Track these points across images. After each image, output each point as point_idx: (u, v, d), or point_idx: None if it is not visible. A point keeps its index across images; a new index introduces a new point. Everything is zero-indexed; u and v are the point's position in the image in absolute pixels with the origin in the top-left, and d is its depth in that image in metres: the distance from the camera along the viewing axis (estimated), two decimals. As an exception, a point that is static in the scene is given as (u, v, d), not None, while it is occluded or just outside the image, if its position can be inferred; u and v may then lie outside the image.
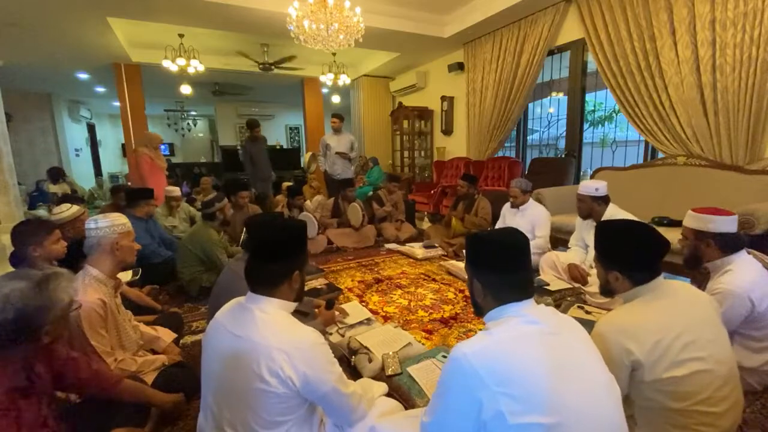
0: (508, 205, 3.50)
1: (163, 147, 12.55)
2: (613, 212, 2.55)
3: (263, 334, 1.03)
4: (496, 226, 3.56)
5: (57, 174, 7.49)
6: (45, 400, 1.10)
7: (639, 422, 1.19)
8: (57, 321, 1.06)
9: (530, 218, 3.31)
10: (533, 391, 0.81)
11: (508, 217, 3.49)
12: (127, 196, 3.36)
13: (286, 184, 5.66)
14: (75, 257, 1.87)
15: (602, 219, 2.61)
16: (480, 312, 1.04)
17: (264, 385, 1.00)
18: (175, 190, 4.17)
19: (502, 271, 0.97)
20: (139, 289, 2.52)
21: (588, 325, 1.17)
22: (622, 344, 1.11)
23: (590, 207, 2.62)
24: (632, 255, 1.23)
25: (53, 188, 7.20)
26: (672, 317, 1.15)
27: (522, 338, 0.89)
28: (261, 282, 1.13)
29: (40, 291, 1.03)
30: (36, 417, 1.04)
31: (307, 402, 1.09)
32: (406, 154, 7.24)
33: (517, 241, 1.00)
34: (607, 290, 1.34)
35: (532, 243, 3.24)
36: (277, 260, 1.14)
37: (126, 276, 2.53)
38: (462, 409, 0.86)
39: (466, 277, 1.09)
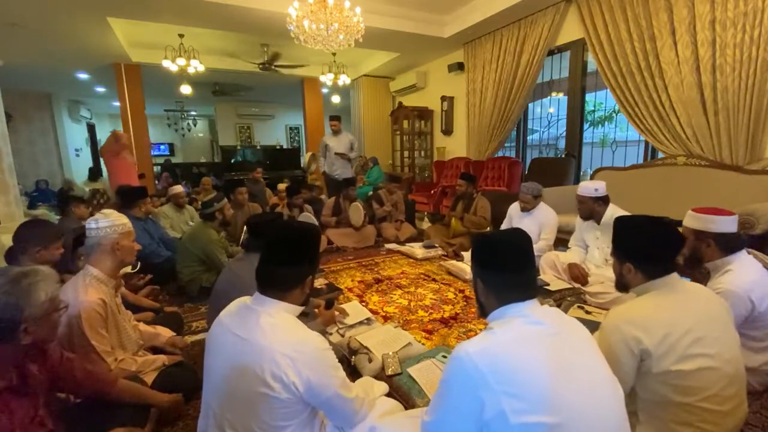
0: (516, 206, 3.39)
1: (163, 147, 12.69)
2: (614, 212, 2.55)
3: (268, 338, 1.02)
4: (503, 227, 3.50)
5: (96, 174, 8.16)
6: (41, 400, 1.09)
7: (642, 418, 1.20)
8: (37, 320, 1.04)
9: (539, 221, 3.23)
10: (535, 391, 0.82)
11: (516, 218, 3.39)
12: (122, 198, 3.34)
13: (281, 185, 5.64)
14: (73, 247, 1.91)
15: (603, 220, 2.61)
16: (483, 311, 1.04)
17: (267, 390, 0.99)
18: (179, 188, 4.19)
19: (505, 272, 0.97)
20: (138, 281, 2.55)
21: (588, 325, 1.18)
22: (631, 333, 1.13)
23: (591, 208, 2.62)
24: (646, 248, 1.25)
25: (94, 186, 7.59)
26: (682, 313, 1.16)
27: (525, 338, 0.89)
28: (273, 285, 1.11)
29: (13, 287, 1.02)
30: (32, 417, 1.03)
31: (309, 406, 1.09)
32: (406, 154, 7.24)
33: (520, 241, 1.00)
34: (621, 284, 1.36)
35: (534, 245, 3.16)
36: (293, 264, 1.13)
37: (125, 269, 2.55)
38: (464, 409, 0.86)
39: (468, 277, 1.10)
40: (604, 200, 2.61)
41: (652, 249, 1.25)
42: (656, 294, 1.23)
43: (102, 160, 5.77)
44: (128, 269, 2.52)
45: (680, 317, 1.14)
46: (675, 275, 1.24)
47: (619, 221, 1.37)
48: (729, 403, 1.13)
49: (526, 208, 3.27)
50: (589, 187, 2.61)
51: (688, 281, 1.37)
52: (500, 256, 0.99)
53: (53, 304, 1.10)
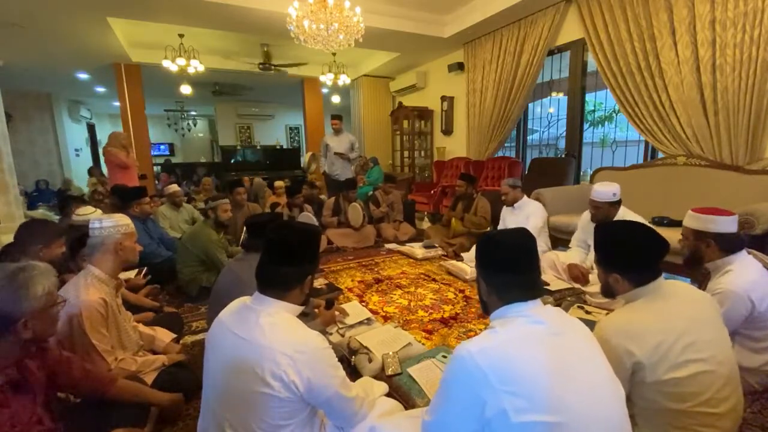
0: (506, 207, 3.54)
1: (163, 147, 12.70)
2: (624, 214, 2.51)
3: (268, 338, 1.02)
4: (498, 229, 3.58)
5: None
6: (40, 399, 1.09)
7: (640, 422, 1.19)
8: (36, 314, 1.05)
9: (525, 213, 3.36)
10: (536, 390, 0.82)
11: (508, 218, 3.52)
12: (120, 197, 3.34)
13: (279, 183, 5.63)
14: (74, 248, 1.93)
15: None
16: (486, 310, 1.04)
17: (267, 389, 0.99)
18: (175, 188, 4.19)
19: (508, 273, 0.97)
20: (141, 278, 2.58)
21: (588, 325, 1.17)
22: (623, 346, 1.11)
23: (607, 212, 2.52)
24: (631, 257, 1.23)
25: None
26: (673, 318, 1.15)
27: (526, 338, 0.89)
28: (273, 284, 1.12)
29: (10, 282, 1.02)
30: (30, 415, 1.04)
31: (309, 406, 1.09)
32: (406, 154, 7.24)
33: (524, 241, 1.00)
34: (608, 292, 1.34)
35: None
36: (294, 263, 1.13)
37: (130, 274, 2.56)
38: (465, 408, 0.86)
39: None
40: (619, 203, 2.54)
41: (636, 257, 1.23)
42: (645, 301, 1.21)
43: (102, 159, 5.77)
44: (132, 275, 2.55)
45: (671, 323, 1.13)
46: (662, 279, 1.23)
47: (599, 231, 1.33)
48: (725, 404, 1.12)
49: (506, 201, 3.46)
50: (607, 191, 2.49)
51: (679, 281, 1.36)
52: (504, 255, 0.98)
53: (51, 298, 1.10)
